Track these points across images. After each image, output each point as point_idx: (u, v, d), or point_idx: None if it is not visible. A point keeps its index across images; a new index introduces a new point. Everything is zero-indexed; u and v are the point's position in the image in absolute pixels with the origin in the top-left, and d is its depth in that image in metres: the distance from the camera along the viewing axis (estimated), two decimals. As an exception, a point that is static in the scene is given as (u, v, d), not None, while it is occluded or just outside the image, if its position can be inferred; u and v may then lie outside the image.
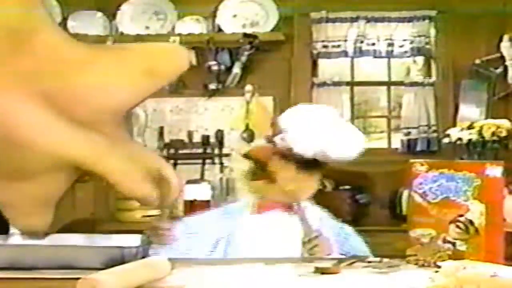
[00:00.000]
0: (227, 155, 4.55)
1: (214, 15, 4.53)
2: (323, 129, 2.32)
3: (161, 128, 4.55)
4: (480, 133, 4.02)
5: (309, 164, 2.38)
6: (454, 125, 4.29)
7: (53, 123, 0.61)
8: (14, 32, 0.59)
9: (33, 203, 0.67)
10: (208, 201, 4.30)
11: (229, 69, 4.47)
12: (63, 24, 4.47)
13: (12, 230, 2.40)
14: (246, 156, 2.55)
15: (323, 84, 4.56)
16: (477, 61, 4.41)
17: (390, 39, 4.53)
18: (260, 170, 2.43)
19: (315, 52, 4.54)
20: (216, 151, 4.54)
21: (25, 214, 0.67)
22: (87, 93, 0.63)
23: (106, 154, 0.65)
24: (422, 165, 1.97)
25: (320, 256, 2.13)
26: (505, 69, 4.40)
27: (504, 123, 4.04)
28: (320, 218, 2.49)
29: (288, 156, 2.36)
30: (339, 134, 2.33)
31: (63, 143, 0.63)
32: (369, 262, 1.99)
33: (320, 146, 2.32)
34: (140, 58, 0.68)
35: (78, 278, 1.50)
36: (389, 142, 4.71)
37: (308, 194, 2.47)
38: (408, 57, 4.60)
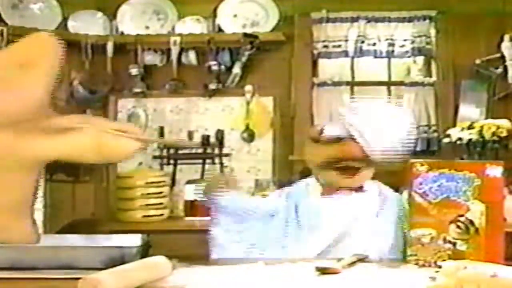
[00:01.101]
0: (227, 155, 4.55)
1: (214, 15, 4.52)
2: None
3: (161, 128, 4.55)
4: (480, 133, 4.01)
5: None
6: (454, 125, 4.28)
7: None
8: None
9: (6, 214, 0.66)
10: (208, 201, 4.30)
11: (229, 69, 4.47)
12: (63, 24, 4.47)
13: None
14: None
15: (323, 84, 4.55)
16: (478, 61, 4.40)
17: (391, 39, 4.53)
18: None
19: (315, 52, 4.54)
20: (216, 151, 4.54)
21: (4, 228, 0.67)
22: None
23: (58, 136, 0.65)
24: (422, 165, 1.97)
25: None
26: (506, 69, 4.39)
27: (504, 123, 4.04)
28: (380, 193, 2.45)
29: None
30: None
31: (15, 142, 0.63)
32: (369, 262, 1.99)
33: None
34: (13, 55, 0.67)
35: (78, 278, 1.50)
36: (389, 142, 4.69)
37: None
38: (409, 57, 4.59)
